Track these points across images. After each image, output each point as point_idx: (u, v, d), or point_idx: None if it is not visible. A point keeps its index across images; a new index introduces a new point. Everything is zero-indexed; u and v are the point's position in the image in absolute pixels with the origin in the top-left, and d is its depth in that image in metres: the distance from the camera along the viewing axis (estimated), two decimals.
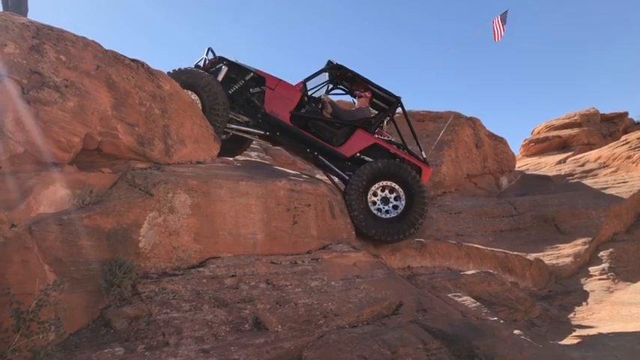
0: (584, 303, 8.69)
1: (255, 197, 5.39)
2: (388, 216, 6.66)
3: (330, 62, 7.57)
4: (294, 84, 7.23)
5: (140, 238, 4.39)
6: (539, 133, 22.89)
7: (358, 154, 7.03)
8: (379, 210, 6.67)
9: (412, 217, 6.59)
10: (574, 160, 17.89)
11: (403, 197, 6.72)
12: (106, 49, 5.02)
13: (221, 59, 7.35)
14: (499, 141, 17.09)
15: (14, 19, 4.31)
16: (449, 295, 6.36)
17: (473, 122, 15.95)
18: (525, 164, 19.90)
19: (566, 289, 9.32)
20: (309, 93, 7.62)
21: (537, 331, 6.71)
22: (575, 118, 22.11)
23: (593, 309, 8.32)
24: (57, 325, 3.42)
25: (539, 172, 17.71)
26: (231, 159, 7.40)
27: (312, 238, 5.82)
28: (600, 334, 6.67)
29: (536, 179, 16.34)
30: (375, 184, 6.70)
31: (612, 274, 9.89)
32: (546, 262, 10.02)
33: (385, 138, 7.39)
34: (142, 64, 5.39)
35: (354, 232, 6.38)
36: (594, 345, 6.17)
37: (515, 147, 25.15)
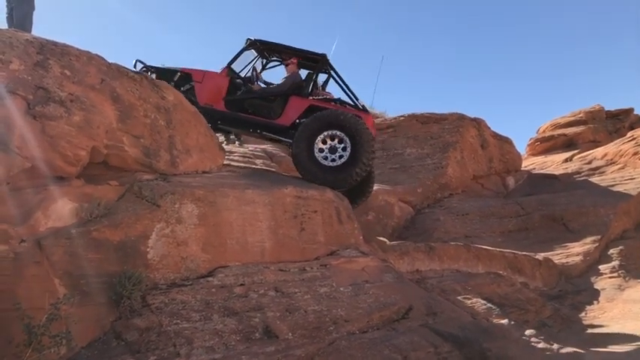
0: (595, 302, 8.63)
1: (261, 205, 5.40)
2: (333, 164, 6.67)
3: (248, 39, 7.69)
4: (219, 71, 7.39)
5: (148, 250, 4.40)
6: (544, 131, 22.77)
7: (297, 121, 7.09)
8: (325, 158, 6.68)
9: (357, 165, 6.59)
10: (580, 157, 17.80)
11: (349, 145, 6.70)
12: (110, 62, 5.06)
13: (149, 68, 7.46)
14: (504, 141, 17.00)
15: (18, 36, 4.35)
16: (459, 297, 6.35)
17: (477, 123, 15.86)
18: (532, 163, 19.81)
19: (577, 288, 9.26)
20: (245, 74, 7.78)
21: (549, 331, 6.67)
22: (580, 115, 22.00)
23: (604, 308, 8.26)
24: (68, 339, 3.43)
25: (546, 171, 17.63)
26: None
27: (320, 244, 5.82)
28: (612, 333, 6.62)
29: (543, 178, 16.25)
30: (321, 133, 6.72)
31: (623, 271, 9.81)
32: (556, 261, 9.96)
33: (321, 97, 7.49)
34: (146, 77, 5.42)
35: (361, 237, 6.38)
36: (607, 344, 6.12)
37: (521, 146, 25.05)
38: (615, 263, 10.19)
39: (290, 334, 4.27)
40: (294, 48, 7.65)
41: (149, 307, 4.09)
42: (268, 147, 10.34)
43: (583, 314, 8.04)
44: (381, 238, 7.40)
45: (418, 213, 12.35)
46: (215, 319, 4.16)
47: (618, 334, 6.56)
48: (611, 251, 10.78)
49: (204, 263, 4.76)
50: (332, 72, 7.67)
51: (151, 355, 3.63)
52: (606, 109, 22.66)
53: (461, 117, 15.52)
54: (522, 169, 17.76)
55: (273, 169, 8.85)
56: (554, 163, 18.60)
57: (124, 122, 4.90)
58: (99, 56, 4.95)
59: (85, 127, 4.45)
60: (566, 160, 18.30)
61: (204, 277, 4.66)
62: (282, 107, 7.20)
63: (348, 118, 6.71)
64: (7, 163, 3.90)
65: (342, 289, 5.22)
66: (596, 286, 9.36)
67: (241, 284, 4.71)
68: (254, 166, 8.24)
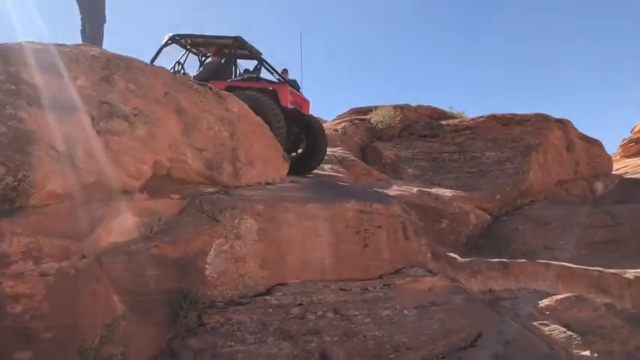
0: None
1: (322, 220, 5.25)
2: None
3: (168, 36, 7.86)
4: None
5: (207, 266, 4.38)
6: (639, 131, 21.15)
7: None
8: None
9: None
10: None
11: None
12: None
13: None
14: (593, 143, 15.88)
15: (85, 52, 4.43)
16: (534, 323, 5.90)
17: (563, 124, 14.91)
18: (624, 167, 18.41)
19: None
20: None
21: None
22: None
23: None
24: (125, 356, 3.46)
25: None
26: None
27: (384, 261, 5.59)
28: None
29: (636, 184, 15.05)
30: None
31: None
32: None
33: (240, 78, 7.73)
34: (210, 88, 5.40)
35: (429, 254, 6.09)
36: None
37: (611, 148, 23.40)
38: None
39: None
40: (209, 35, 7.94)
41: (205, 327, 4.07)
42: (338, 150, 10.20)
43: None
44: (452, 255, 7.03)
45: (495, 221, 11.74)
46: (270, 343, 4.07)
47: None
48: None
49: (263, 280, 4.69)
50: (248, 51, 7.99)
51: None
52: None
53: (545, 118, 14.67)
54: (613, 173, 16.54)
55: (341, 174, 8.70)
56: None
57: (188, 135, 4.88)
58: (163, 69, 4.99)
59: (148, 141, 4.47)
60: None
61: (261, 295, 4.59)
62: None
63: (251, 96, 6.74)
64: (71, 177, 3.97)
65: (405, 312, 4.97)
66: None
67: (299, 304, 4.59)
68: (321, 172, 8.12)
